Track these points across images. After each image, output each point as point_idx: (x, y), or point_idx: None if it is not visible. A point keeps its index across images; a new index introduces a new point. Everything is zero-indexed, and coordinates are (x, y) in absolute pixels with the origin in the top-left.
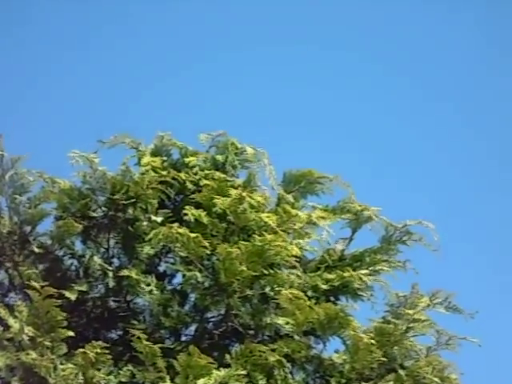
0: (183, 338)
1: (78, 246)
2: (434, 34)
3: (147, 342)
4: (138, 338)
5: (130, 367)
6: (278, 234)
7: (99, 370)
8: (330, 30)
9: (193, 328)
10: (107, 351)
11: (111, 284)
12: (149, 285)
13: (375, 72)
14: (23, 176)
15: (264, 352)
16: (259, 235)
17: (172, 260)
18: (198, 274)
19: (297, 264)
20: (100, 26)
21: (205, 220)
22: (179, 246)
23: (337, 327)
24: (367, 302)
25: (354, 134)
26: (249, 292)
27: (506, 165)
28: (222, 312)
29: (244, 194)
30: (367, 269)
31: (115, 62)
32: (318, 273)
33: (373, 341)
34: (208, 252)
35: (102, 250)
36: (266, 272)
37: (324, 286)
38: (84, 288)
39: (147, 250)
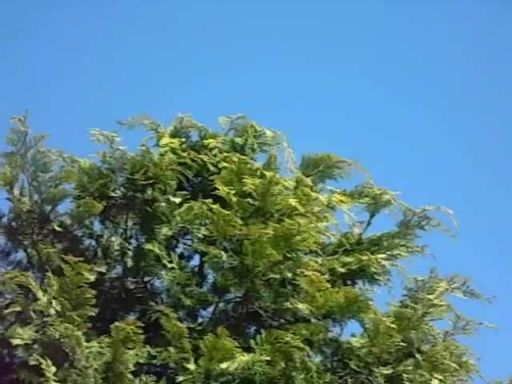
0: (199, 320)
1: (97, 227)
2: (439, 29)
3: (176, 321)
4: (167, 315)
5: (149, 348)
6: (308, 219)
7: (129, 349)
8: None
9: (210, 310)
10: (141, 330)
11: (130, 264)
12: (171, 262)
13: (393, 59)
14: (46, 155)
15: (287, 338)
16: (286, 218)
17: (189, 242)
18: (223, 253)
19: (319, 250)
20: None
21: (233, 199)
22: (207, 222)
23: (356, 311)
24: (384, 286)
25: (371, 119)
26: (272, 275)
27: None
28: (240, 294)
29: (278, 175)
30: (385, 253)
31: (133, 48)
32: (336, 256)
33: (393, 325)
34: (235, 231)
35: (120, 230)
36: (289, 256)
37: (341, 270)
38: (103, 269)
39: (165, 231)
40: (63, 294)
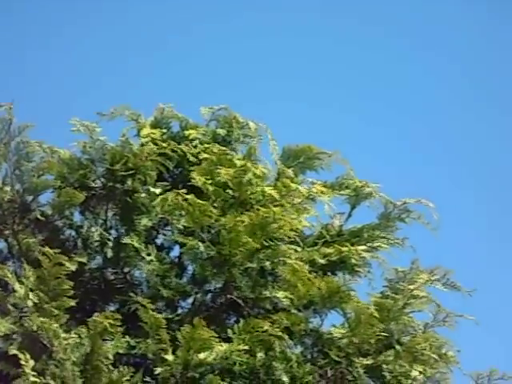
0: (179, 311)
1: (77, 217)
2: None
3: (153, 312)
4: (144, 306)
5: (128, 338)
6: (284, 207)
7: (107, 340)
8: None
9: (190, 301)
10: (119, 322)
11: (110, 254)
12: (149, 254)
13: (377, 46)
14: (29, 144)
15: (265, 327)
16: (262, 207)
17: (169, 233)
18: (200, 244)
19: (297, 238)
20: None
21: (210, 188)
22: (184, 213)
23: (338, 301)
24: (364, 278)
25: (354, 108)
26: (249, 264)
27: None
28: (220, 285)
29: (249, 164)
30: (365, 245)
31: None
32: (316, 247)
33: (376, 313)
34: (212, 221)
35: (100, 221)
36: (266, 245)
37: (321, 261)
38: (84, 259)
39: (145, 221)
40: (40, 286)
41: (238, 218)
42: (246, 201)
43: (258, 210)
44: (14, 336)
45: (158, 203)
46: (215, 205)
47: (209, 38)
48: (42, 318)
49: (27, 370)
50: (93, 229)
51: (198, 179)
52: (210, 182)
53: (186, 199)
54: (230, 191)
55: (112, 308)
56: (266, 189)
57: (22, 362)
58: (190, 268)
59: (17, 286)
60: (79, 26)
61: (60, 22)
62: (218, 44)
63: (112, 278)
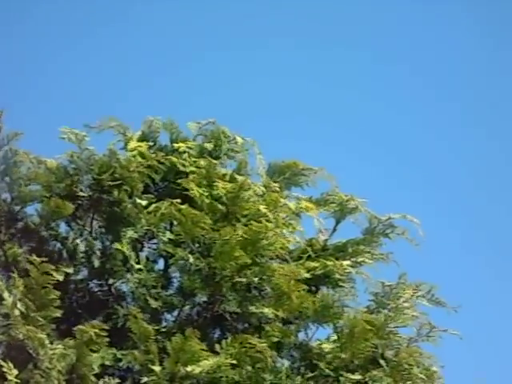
0: (163, 324)
1: (62, 228)
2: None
3: (143, 322)
4: (135, 316)
5: (114, 351)
6: (275, 224)
7: (93, 351)
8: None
9: (175, 313)
10: (105, 333)
11: (97, 264)
12: (138, 263)
13: (363, 61)
14: (17, 153)
15: (253, 342)
16: (253, 222)
17: (154, 246)
18: (190, 256)
19: (286, 255)
20: (94, 17)
21: (206, 201)
22: (175, 223)
23: (331, 315)
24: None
25: (341, 125)
26: (238, 279)
27: (490, 157)
28: (205, 298)
29: (249, 181)
30: (349, 259)
31: (109, 53)
32: (301, 261)
33: (369, 327)
34: (203, 233)
35: (86, 232)
36: (257, 260)
37: (306, 275)
38: (70, 270)
39: (130, 233)
40: (28, 295)
41: (233, 232)
42: (237, 215)
43: (250, 224)
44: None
45: (150, 211)
46: (206, 217)
47: (201, 50)
48: (28, 327)
49: (10, 378)
50: (78, 240)
51: (195, 190)
52: (206, 194)
53: (179, 209)
54: (221, 205)
55: (96, 321)
56: (261, 207)
57: (5, 370)
58: (175, 281)
59: (5, 294)
60: (69, 36)
61: (52, 34)
62: (209, 56)
63: (96, 290)
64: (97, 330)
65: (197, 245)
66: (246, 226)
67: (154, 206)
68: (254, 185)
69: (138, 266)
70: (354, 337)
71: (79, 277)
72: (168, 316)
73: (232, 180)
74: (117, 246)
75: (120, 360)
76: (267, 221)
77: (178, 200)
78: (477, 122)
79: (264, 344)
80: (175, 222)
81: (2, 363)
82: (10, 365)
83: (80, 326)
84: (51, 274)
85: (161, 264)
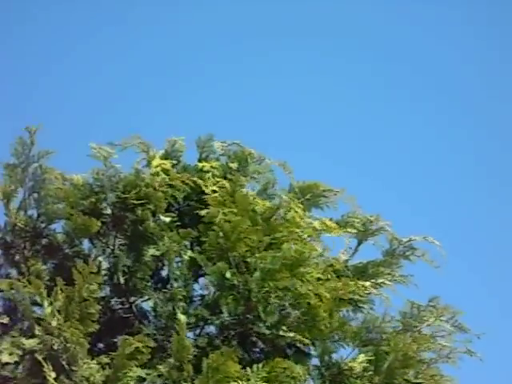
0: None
1: (85, 245)
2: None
3: (185, 339)
4: (178, 333)
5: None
6: (313, 247)
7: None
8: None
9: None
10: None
11: (121, 281)
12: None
13: (381, 81)
14: (46, 171)
15: (287, 368)
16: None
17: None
18: (228, 271)
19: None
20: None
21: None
22: (220, 235)
23: (373, 339)
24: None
25: (359, 145)
26: (273, 300)
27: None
28: (230, 316)
29: (292, 203)
30: (369, 281)
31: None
32: (321, 282)
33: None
34: (246, 249)
35: (108, 250)
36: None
37: (327, 295)
38: (95, 287)
39: (152, 251)
40: (69, 306)
41: (277, 254)
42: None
43: (286, 247)
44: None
45: (205, 215)
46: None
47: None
48: (69, 332)
49: (49, 379)
50: (100, 258)
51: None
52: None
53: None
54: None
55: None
56: (296, 228)
57: (46, 370)
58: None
59: (46, 303)
60: (94, 52)
61: (76, 48)
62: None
63: (118, 307)
64: (141, 344)
65: (233, 260)
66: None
67: (205, 211)
68: (297, 206)
69: (175, 275)
70: (396, 363)
71: (101, 294)
72: (189, 334)
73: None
74: (147, 259)
75: (144, 379)
76: (295, 243)
77: (234, 210)
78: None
79: (298, 369)
80: (220, 234)
81: (44, 363)
82: (50, 367)
83: (125, 336)
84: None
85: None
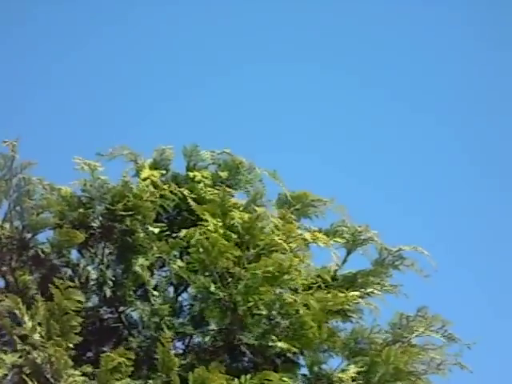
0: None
1: (73, 255)
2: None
3: (170, 352)
4: (163, 345)
5: (128, 380)
6: (299, 258)
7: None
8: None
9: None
10: (130, 361)
11: (108, 293)
12: (155, 288)
13: (376, 90)
14: (30, 182)
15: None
16: (269, 254)
17: (164, 274)
18: (212, 284)
19: (300, 288)
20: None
21: (221, 231)
22: (201, 251)
23: (361, 349)
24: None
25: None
26: (258, 311)
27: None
28: (219, 327)
29: (268, 213)
30: (359, 290)
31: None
32: (310, 291)
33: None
34: (227, 264)
35: (97, 260)
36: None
37: (316, 305)
38: (82, 298)
39: (141, 261)
40: (50, 320)
41: (262, 266)
42: (251, 245)
43: (265, 255)
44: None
45: (182, 237)
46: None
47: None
48: (54, 348)
49: None
50: (89, 268)
51: (210, 222)
52: (220, 224)
53: (207, 237)
54: (236, 235)
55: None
56: (276, 238)
57: None
58: (185, 309)
59: (26, 318)
60: (81, 60)
61: (64, 55)
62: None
63: (106, 317)
64: (124, 359)
65: (217, 274)
66: (257, 257)
67: (185, 231)
68: (273, 217)
69: (155, 293)
70: (387, 375)
71: (89, 304)
72: (178, 344)
73: (246, 210)
74: (135, 267)
75: None
76: (282, 252)
77: (211, 228)
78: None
79: (285, 377)
80: (201, 249)
81: (29, 381)
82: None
83: (107, 353)
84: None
85: (170, 291)
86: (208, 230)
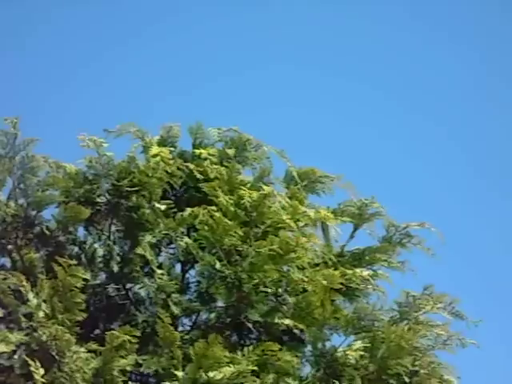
0: (180, 329)
1: (80, 232)
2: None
3: (169, 327)
4: (162, 321)
5: (135, 356)
6: (307, 236)
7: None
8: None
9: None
10: (135, 338)
11: (116, 269)
12: (159, 267)
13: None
14: (33, 159)
15: (276, 351)
16: (275, 232)
17: (171, 251)
18: (217, 262)
19: (307, 265)
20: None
21: (231, 209)
22: (207, 229)
23: (365, 326)
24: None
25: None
26: (263, 289)
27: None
28: (225, 304)
29: (275, 191)
30: (366, 267)
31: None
32: (317, 268)
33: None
34: (232, 242)
35: (104, 236)
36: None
37: (324, 282)
38: (88, 276)
39: (149, 238)
40: (54, 297)
41: (268, 244)
42: (259, 223)
43: (274, 233)
44: (15, 356)
45: (186, 217)
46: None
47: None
48: (56, 326)
49: (37, 377)
50: (96, 245)
51: (222, 199)
52: (231, 201)
53: (212, 216)
54: (243, 213)
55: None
56: (284, 216)
57: (32, 369)
58: (192, 286)
59: (30, 295)
60: (89, 47)
61: (73, 40)
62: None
63: (114, 294)
64: (128, 337)
65: (223, 251)
66: (264, 235)
67: (189, 210)
68: (280, 195)
69: (159, 271)
70: (389, 352)
71: (97, 281)
72: (185, 320)
73: (253, 188)
74: (138, 250)
75: (140, 365)
76: (290, 231)
77: (214, 207)
78: None
79: (287, 354)
80: (206, 228)
81: (30, 362)
82: (38, 364)
83: (112, 331)
84: (78, 277)
85: (177, 268)
86: (212, 209)
